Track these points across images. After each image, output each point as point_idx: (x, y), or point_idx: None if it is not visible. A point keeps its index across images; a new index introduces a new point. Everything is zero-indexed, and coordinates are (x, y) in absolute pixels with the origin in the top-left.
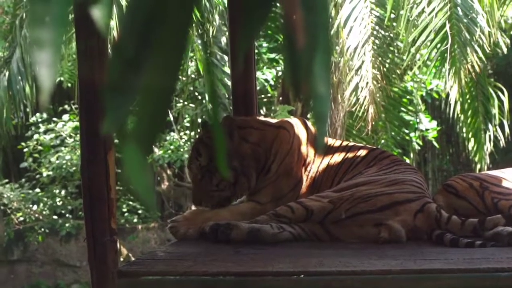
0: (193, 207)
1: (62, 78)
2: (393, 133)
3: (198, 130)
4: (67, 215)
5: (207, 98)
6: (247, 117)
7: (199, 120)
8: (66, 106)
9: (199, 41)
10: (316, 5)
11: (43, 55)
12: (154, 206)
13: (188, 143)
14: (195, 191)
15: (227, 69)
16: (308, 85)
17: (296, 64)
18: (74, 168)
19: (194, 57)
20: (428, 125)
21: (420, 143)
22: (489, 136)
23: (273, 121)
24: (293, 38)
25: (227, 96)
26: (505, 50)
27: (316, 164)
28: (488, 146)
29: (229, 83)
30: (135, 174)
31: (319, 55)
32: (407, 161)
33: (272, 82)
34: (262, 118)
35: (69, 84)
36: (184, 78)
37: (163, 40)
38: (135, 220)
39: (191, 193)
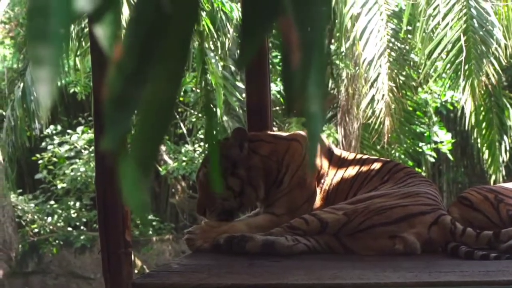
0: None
1: (76, 90)
2: (405, 146)
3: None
4: (81, 227)
5: (217, 111)
6: (258, 132)
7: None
8: (80, 119)
9: (212, 54)
10: (313, 25)
11: (42, 72)
12: (148, 223)
13: (203, 155)
14: (200, 200)
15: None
16: (301, 103)
17: (290, 82)
18: (89, 180)
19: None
20: (443, 137)
21: (434, 155)
22: (505, 147)
23: (286, 134)
24: (288, 56)
25: (237, 109)
26: None
27: (330, 177)
28: (504, 158)
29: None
30: (131, 190)
31: (314, 74)
32: (421, 173)
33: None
34: (274, 132)
35: (84, 97)
36: (198, 90)
37: (164, 53)
38: (150, 232)
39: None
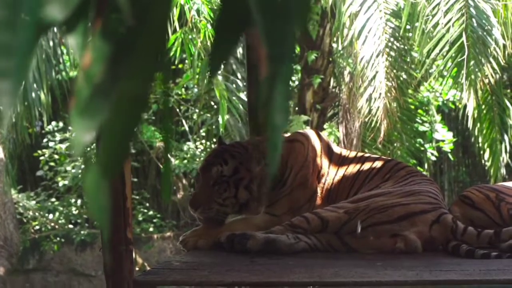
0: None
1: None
2: (407, 144)
3: (214, 141)
4: (82, 224)
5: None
6: (263, 136)
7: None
8: None
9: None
10: (281, 39)
11: (4, 85)
12: (107, 228)
13: (204, 153)
14: (198, 195)
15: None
16: (265, 114)
17: (256, 92)
18: None
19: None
20: (445, 134)
21: (436, 154)
22: (505, 147)
23: (287, 135)
24: (257, 67)
25: (238, 115)
26: None
27: (331, 176)
28: (504, 157)
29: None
30: (93, 194)
31: (280, 86)
32: (423, 172)
33: None
34: None
35: None
36: (200, 88)
37: (133, 66)
38: (151, 229)
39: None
